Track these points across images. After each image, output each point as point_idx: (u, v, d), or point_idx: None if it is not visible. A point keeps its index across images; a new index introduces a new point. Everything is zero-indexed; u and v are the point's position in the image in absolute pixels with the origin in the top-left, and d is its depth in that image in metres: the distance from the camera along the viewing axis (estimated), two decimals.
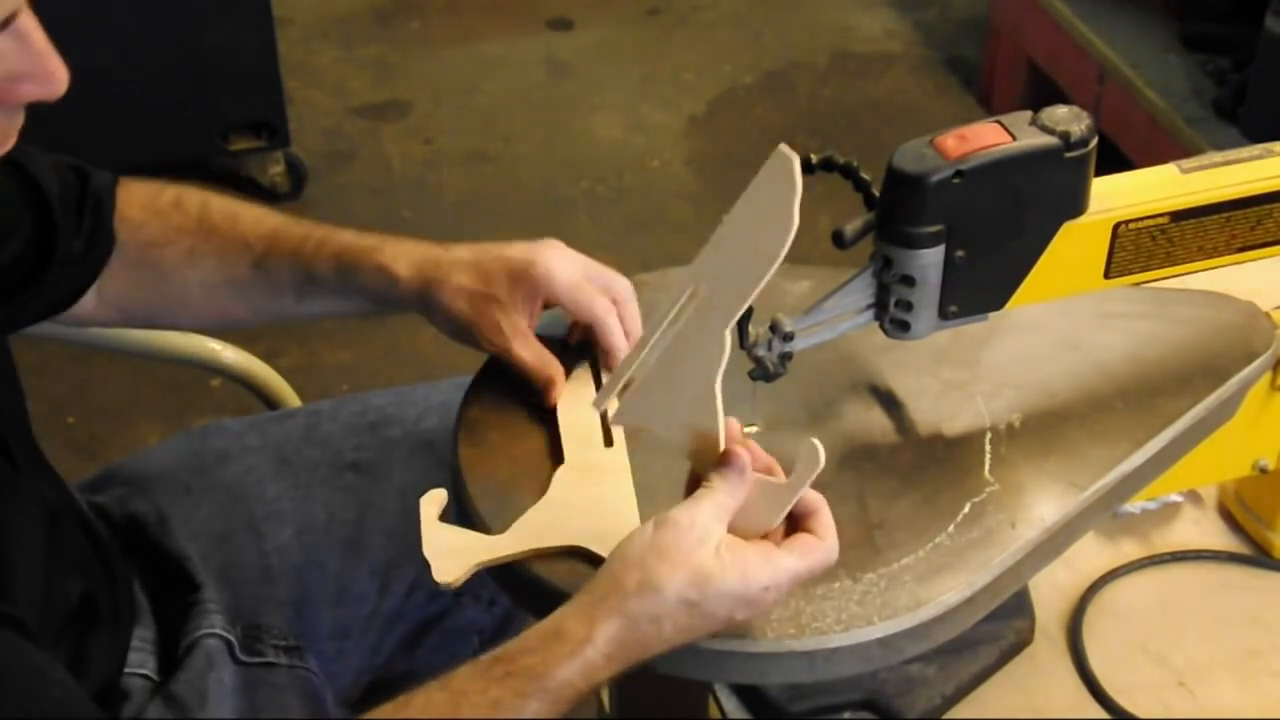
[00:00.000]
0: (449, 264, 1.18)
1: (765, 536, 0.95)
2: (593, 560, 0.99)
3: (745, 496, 0.94)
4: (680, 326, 0.95)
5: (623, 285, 1.19)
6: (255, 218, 1.27)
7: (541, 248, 1.17)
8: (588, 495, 1.06)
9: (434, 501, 1.06)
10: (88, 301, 1.26)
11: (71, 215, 1.22)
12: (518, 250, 1.17)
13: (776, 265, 0.90)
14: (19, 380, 1.20)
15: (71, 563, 1.16)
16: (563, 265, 1.16)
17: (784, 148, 0.91)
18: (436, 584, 1.01)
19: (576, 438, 1.10)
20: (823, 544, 0.94)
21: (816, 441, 0.92)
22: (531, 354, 1.15)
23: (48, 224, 1.20)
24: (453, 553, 1.03)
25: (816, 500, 0.96)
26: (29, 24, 0.91)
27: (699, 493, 0.94)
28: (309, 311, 1.27)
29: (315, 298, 1.25)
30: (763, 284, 0.91)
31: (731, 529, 0.94)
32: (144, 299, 1.29)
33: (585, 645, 0.90)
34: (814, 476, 0.93)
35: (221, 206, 1.28)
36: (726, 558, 0.92)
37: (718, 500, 0.94)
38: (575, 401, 1.13)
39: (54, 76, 0.92)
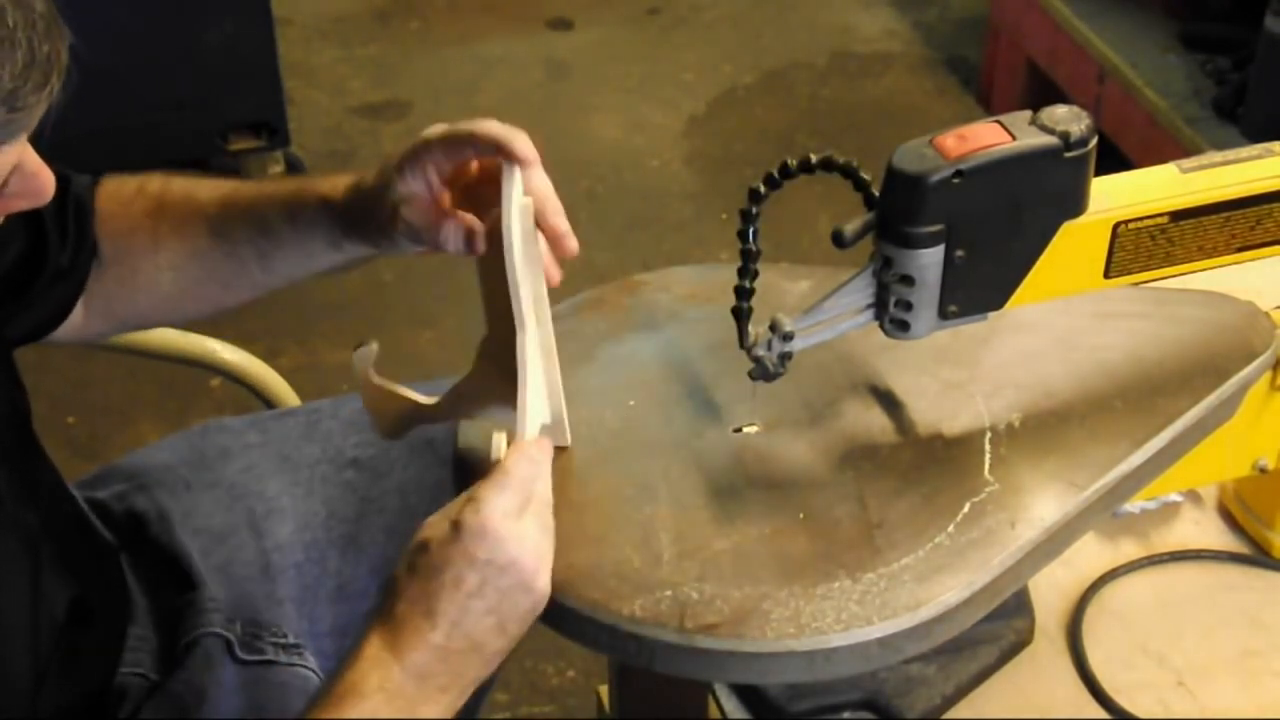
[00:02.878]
0: (365, 175, 1.18)
1: None
2: None
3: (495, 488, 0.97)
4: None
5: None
6: (211, 187, 1.28)
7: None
8: (511, 368, 1.05)
9: (368, 358, 1.08)
10: (75, 316, 1.26)
11: (57, 226, 1.22)
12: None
13: (518, 287, 0.98)
14: (20, 397, 1.20)
15: (61, 571, 1.16)
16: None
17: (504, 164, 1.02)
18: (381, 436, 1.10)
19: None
20: (512, 457, 0.97)
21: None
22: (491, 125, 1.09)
23: (40, 237, 1.20)
24: (394, 413, 1.08)
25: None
26: (26, 154, 0.93)
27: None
28: (277, 274, 1.27)
29: (277, 256, 1.25)
30: (520, 305, 0.99)
31: None
32: (124, 298, 1.28)
33: (360, 647, 0.95)
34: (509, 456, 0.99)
35: (180, 184, 1.29)
36: (446, 523, 0.95)
37: (464, 499, 0.97)
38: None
39: (43, 192, 0.96)
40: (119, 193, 1.28)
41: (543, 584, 0.97)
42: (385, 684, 0.93)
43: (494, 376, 1.04)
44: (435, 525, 0.96)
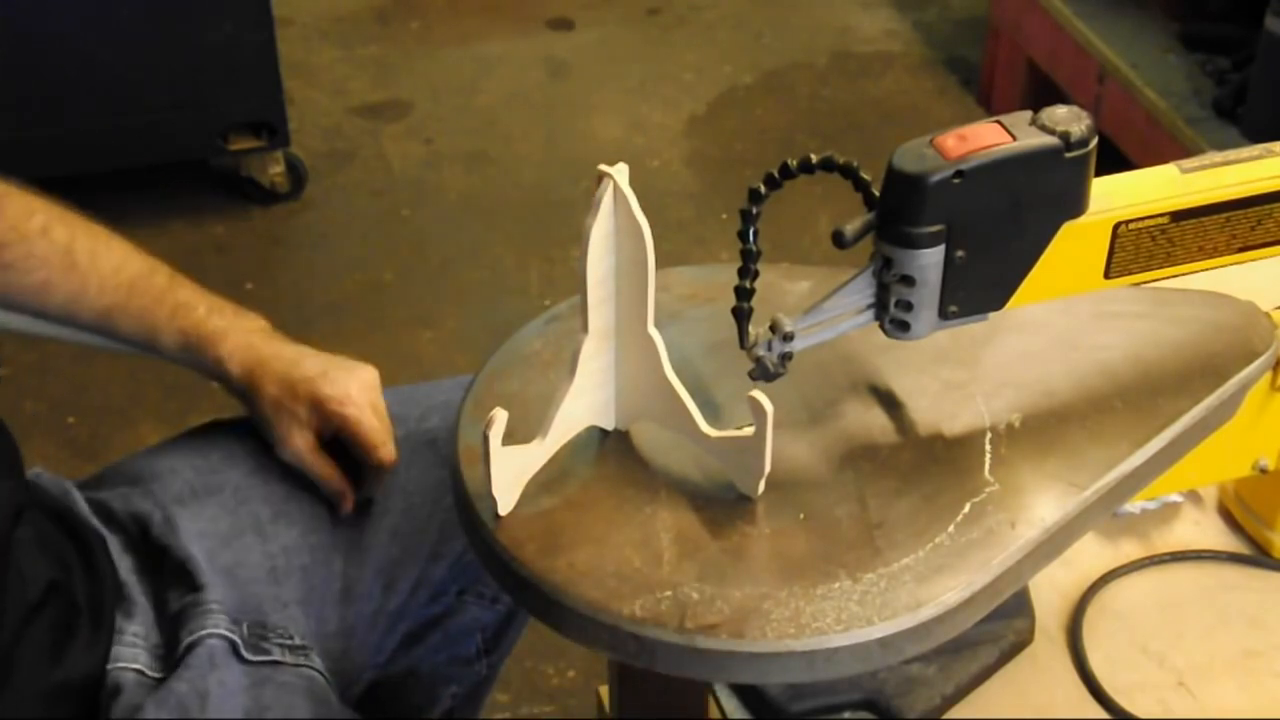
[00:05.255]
0: (265, 373, 1.31)
1: None
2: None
3: None
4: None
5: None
6: (115, 265, 1.30)
7: (342, 377, 1.31)
8: (606, 363, 1.05)
9: (499, 427, 0.99)
10: None
11: None
12: (322, 378, 1.31)
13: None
14: None
15: (31, 555, 1.16)
16: (354, 392, 1.31)
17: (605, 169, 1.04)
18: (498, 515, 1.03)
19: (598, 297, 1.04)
20: None
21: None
22: (322, 466, 1.32)
23: None
24: (512, 481, 1.03)
25: None
26: None
27: None
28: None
29: (159, 357, 1.34)
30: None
31: None
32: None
33: None
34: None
35: (87, 244, 1.29)
36: None
37: None
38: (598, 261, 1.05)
39: None
40: (22, 223, 1.27)
41: None
42: None
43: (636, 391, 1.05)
44: None
